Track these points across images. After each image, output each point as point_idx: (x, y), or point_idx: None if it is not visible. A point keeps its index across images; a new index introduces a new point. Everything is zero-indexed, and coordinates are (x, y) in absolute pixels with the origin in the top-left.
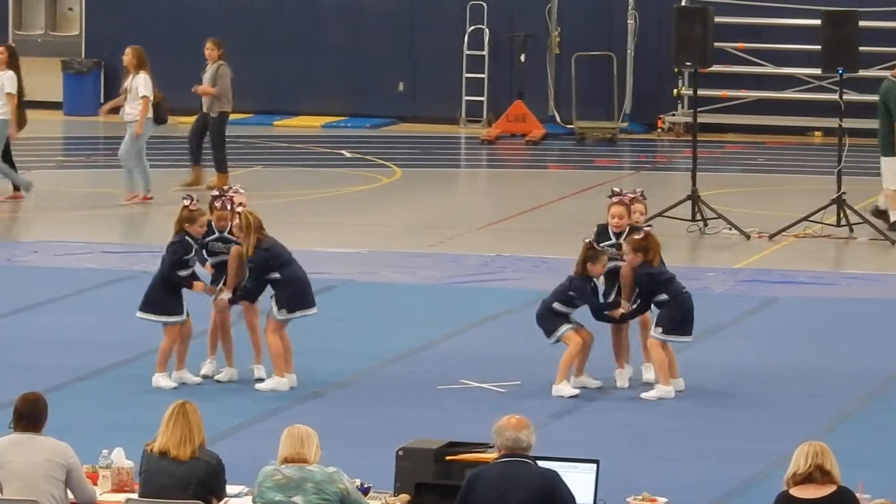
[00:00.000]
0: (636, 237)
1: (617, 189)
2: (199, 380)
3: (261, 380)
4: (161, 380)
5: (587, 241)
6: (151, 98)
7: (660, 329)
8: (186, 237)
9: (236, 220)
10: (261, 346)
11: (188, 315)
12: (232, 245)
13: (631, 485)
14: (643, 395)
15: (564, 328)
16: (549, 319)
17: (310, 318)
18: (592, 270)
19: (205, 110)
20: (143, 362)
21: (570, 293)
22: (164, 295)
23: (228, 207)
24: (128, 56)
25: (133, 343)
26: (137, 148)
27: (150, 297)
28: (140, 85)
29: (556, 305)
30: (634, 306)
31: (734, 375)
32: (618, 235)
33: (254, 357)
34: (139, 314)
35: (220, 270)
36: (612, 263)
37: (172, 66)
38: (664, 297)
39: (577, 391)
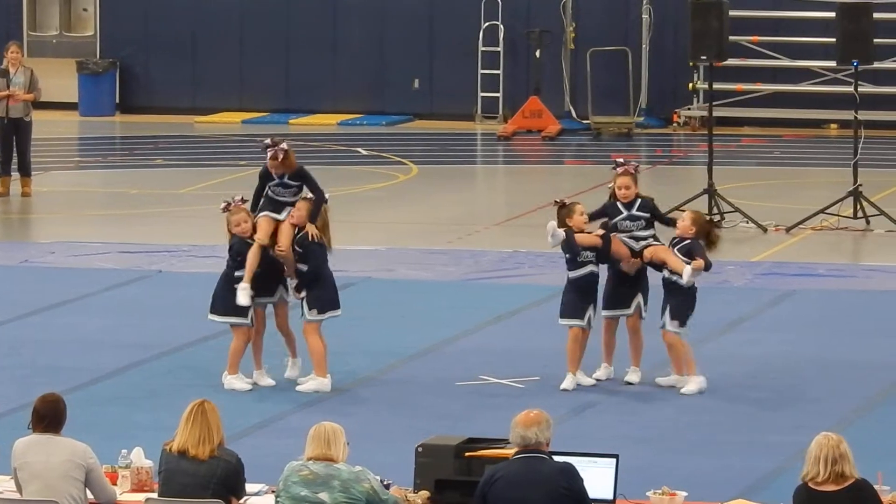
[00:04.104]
0: (707, 218)
1: (621, 160)
2: (273, 383)
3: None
4: (235, 381)
5: (556, 200)
6: None
7: (676, 322)
8: (237, 238)
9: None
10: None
11: (252, 321)
12: (294, 188)
13: (651, 479)
14: (682, 390)
15: (572, 322)
16: (566, 299)
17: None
18: (574, 224)
19: (19, 116)
20: (163, 362)
21: (567, 255)
22: (228, 294)
23: (280, 158)
24: None
25: (153, 343)
26: None
27: (217, 298)
28: None
29: (571, 275)
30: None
31: (754, 368)
32: (628, 206)
33: (289, 353)
34: (209, 316)
35: (276, 206)
36: (625, 237)
37: (189, 66)
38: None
39: (572, 386)
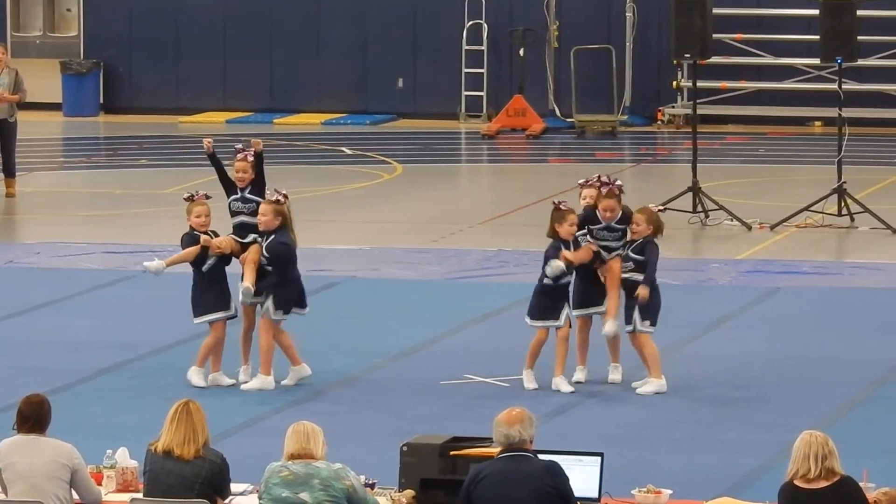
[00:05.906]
0: (654, 210)
1: (605, 178)
2: (232, 381)
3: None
4: (194, 375)
5: (556, 201)
6: None
7: (647, 322)
8: (192, 230)
9: (276, 205)
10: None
11: (237, 312)
12: (253, 204)
13: (636, 477)
14: (638, 390)
15: (541, 324)
16: (535, 300)
17: (312, 315)
18: (561, 231)
19: (3, 117)
20: (148, 362)
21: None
22: (204, 293)
23: (250, 159)
24: None
25: (138, 343)
26: None
27: (193, 298)
28: None
29: (546, 280)
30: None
31: (738, 366)
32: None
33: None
34: (194, 321)
35: (240, 231)
36: (604, 246)
37: (173, 66)
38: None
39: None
